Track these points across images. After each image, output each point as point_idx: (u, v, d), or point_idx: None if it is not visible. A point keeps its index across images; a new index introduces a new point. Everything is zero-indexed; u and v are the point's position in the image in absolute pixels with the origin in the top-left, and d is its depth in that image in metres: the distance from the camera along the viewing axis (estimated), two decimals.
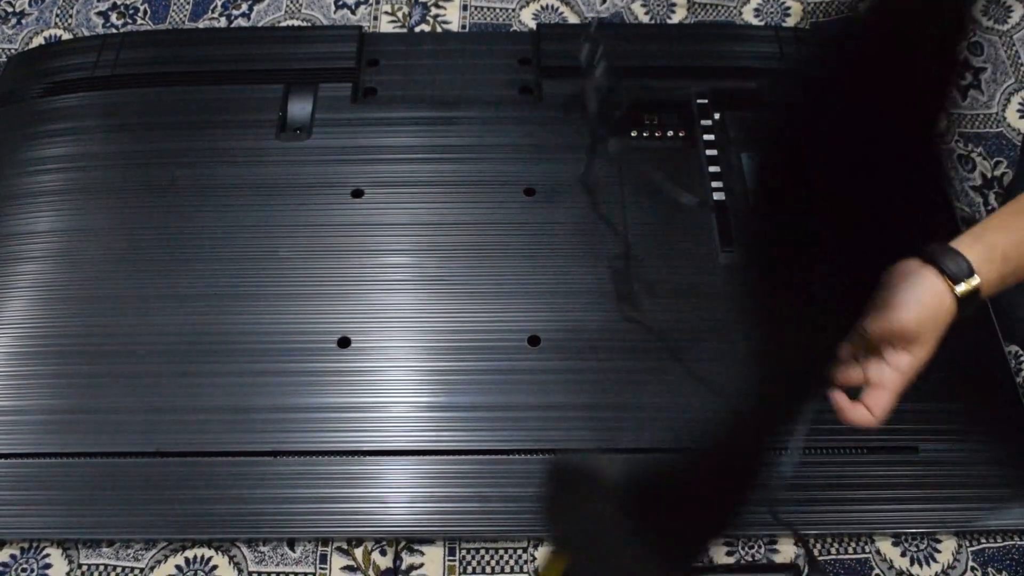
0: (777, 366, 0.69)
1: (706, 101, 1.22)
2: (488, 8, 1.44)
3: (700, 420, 0.70)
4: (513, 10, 1.43)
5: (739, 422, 0.68)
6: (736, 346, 1.03)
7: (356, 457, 0.98)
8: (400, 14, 1.44)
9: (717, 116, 1.21)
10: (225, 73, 1.28)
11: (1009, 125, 1.28)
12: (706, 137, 1.19)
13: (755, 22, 1.40)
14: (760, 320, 0.69)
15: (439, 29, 1.41)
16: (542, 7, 1.44)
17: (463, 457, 0.98)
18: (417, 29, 1.42)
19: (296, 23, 1.44)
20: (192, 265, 1.11)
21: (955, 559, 0.96)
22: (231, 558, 0.98)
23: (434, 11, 1.43)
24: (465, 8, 1.43)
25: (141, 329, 1.06)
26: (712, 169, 1.16)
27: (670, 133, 1.20)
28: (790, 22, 1.40)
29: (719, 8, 1.43)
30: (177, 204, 1.16)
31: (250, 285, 1.09)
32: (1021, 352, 1.07)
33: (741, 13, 1.42)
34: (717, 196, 1.14)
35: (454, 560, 0.97)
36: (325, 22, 1.44)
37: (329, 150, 1.20)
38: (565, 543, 0.67)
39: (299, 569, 0.97)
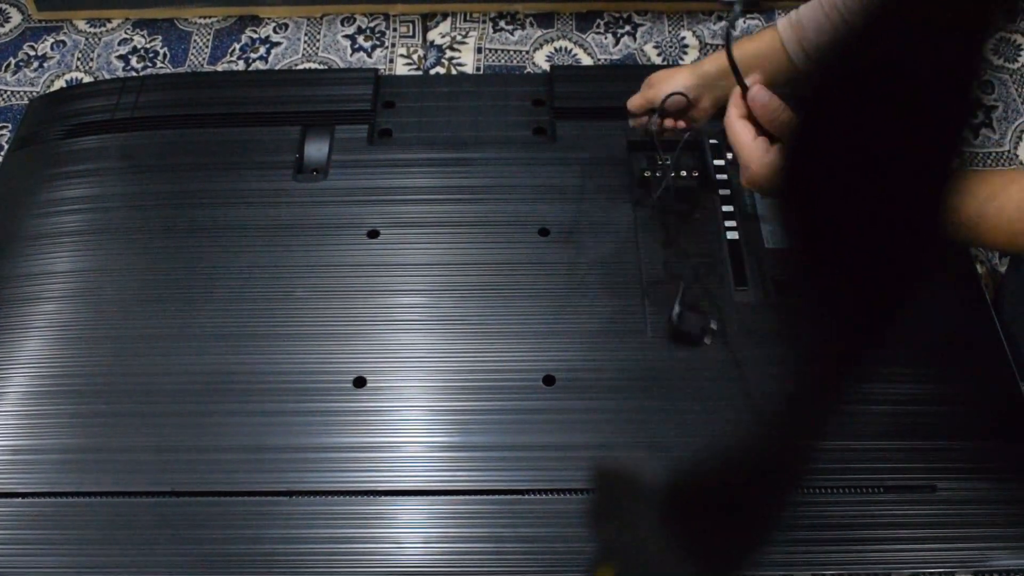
0: (796, 403, 0.69)
1: (716, 142, 1.23)
2: (502, 51, 1.45)
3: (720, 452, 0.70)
4: (527, 52, 1.45)
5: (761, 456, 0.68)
6: (752, 384, 1.03)
7: (371, 497, 0.98)
8: (415, 57, 1.46)
9: (730, 156, 1.21)
10: (243, 115, 1.29)
11: (1021, 162, 1.29)
12: (719, 177, 1.20)
13: None
14: (783, 357, 0.69)
15: (454, 71, 1.43)
16: (555, 49, 1.45)
17: (478, 497, 0.98)
18: (432, 72, 1.44)
19: (313, 66, 1.46)
20: (209, 305, 1.11)
21: None
22: None
23: (449, 54, 1.45)
24: (479, 51, 1.45)
25: (157, 369, 1.07)
26: (725, 209, 1.17)
27: (683, 173, 1.21)
28: None
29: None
30: (194, 245, 1.17)
31: (266, 325, 1.09)
32: None
33: None
34: (731, 235, 1.15)
35: None
36: (341, 65, 1.46)
37: (345, 191, 1.21)
38: (614, 550, 0.66)
39: None
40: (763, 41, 0.95)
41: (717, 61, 0.99)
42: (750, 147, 0.77)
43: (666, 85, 1.04)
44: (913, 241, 0.60)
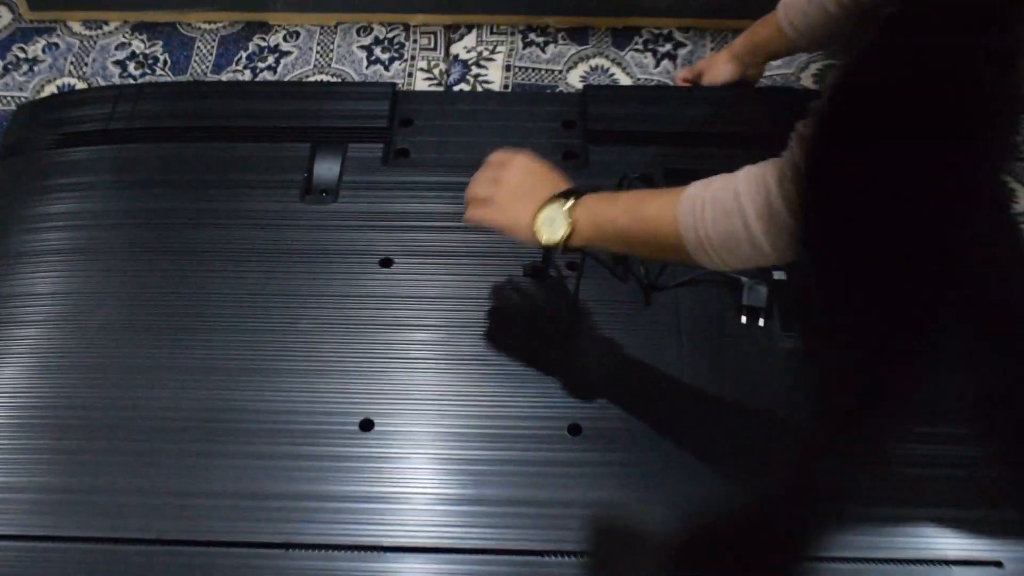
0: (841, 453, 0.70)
1: None
2: (533, 69, 1.46)
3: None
4: (560, 72, 1.45)
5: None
6: (795, 437, 1.02)
7: (376, 553, 0.97)
8: (437, 71, 1.46)
9: None
10: (248, 130, 1.30)
11: None
12: None
13: (815, 87, 1.42)
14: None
15: (479, 89, 1.43)
16: (591, 68, 1.46)
17: (494, 557, 0.97)
18: (456, 88, 1.44)
19: (325, 78, 1.47)
20: (204, 336, 1.11)
21: None
22: None
23: (475, 70, 1.46)
24: (508, 68, 1.46)
25: (146, 403, 1.07)
26: None
27: None
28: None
29: (774, 77, 1.44)
30: (190, 269, 1.17)
31: (266, 359, 1.09)
32: None
33: (799, 79, 1.43)
34: (777, 275, 1.14)
35: None
36: (356, 78, 1.47)
37: (357, 215, 1.21)
38: None
39: None
40: (767, 24, 1.21)
41: (743, 41, 1.29)
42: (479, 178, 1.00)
43: (714, 76, 1.33)
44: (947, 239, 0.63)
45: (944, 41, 0.61)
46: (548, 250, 0.98)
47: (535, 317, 1.13)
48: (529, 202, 0.95)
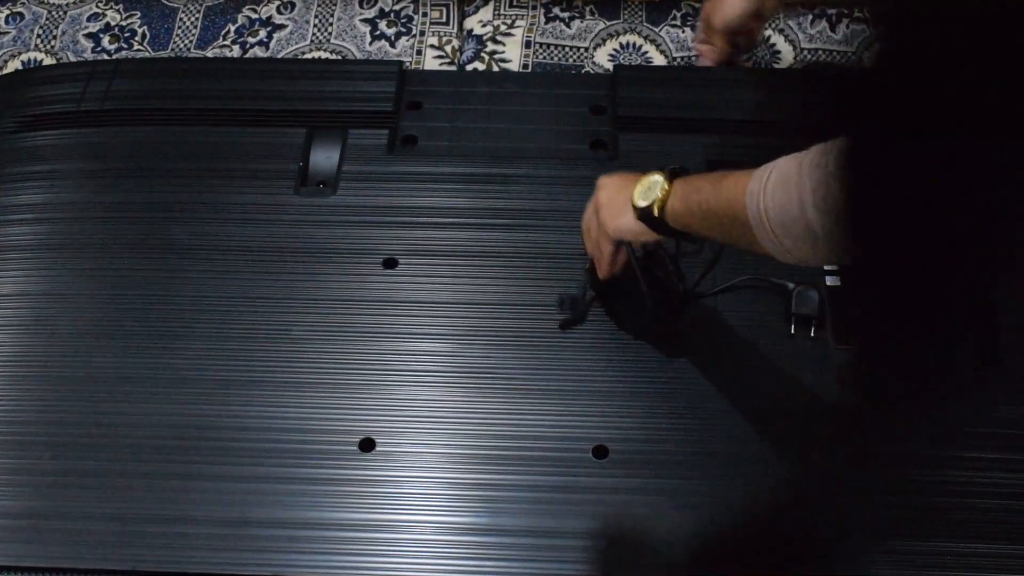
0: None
1: None
2: (556, 46, 1.46)
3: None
4: (586, 49, 1.45)
5: None
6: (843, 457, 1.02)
7: None
8: (449, 48, 1.46)
9: None
10: (236, 113, 1.31)
11: None
12: None
13: None
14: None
15: (495, 68, 1.43)
16: (622, 45, 1.45)
17: None
18: (469, 67, 1.44)
19: (324, 55, 1.47)
20: (185, 343, 1.12)
21: None
22: None
23: (491, 47, 1.46)
24: (528, 45, 1.46)
25: (120, 419, 1.07)
26: None
27: None
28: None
29: (832, 53, 1.43)
30: (171, 269, 1.17)
31: (255, 370, 1.10)
32: None
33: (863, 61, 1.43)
34: (830, 280, 1.14)
35: None
36: (358, 55, 1.47)
37: (358, 210, 1.21)
38: None
39: None
40: None
41: None
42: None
43: (724, 11, 1.32)
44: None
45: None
46: (644, 217, 1.01)
47: (556, 328, 1.13)
48: (624, 194, 1.02)
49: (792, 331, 1.11)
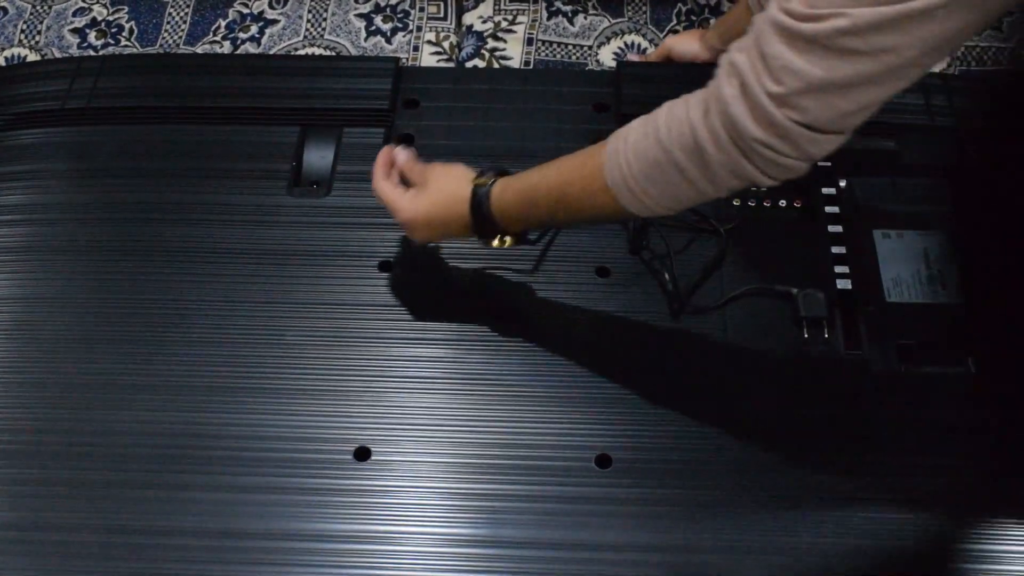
0: None
1: (829, 164, 1.24)
2: (559, 43, 1.47)
3: None
4: (590, 47, 1.46)
5: None
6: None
7: None
8: (447, 44, 1.47)
9: (843, 183, 1.24)
10: (226, 111, 1.32)
11: None
12: (828, 209, 1.22)
13: None
14: None
15: (496, 65, 1.44)
16: (626, 44, 1.47)
17: None
18: (469, 65, 1.45)
19: (317, 52, 1.48)
20: (173, 349, 1.13)
21: None
22: None
23: (491, 43, 1.46)
24: (530, 42, 1.47)
25: (106, 427, 1.08)
26: (836, 250, 1.19)
27: (782, 203, 1.23)
28: (936, 67, 1.41)
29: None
30: (159, 272, 1.19)
31: (246, 377, 1.11)
32: None
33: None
34: (841, 284, 1.16)
35: None
36: (353, 51, 1.48)
37: (352, 211, 1.23)
38: None
39: None
40: (740, 4, 1.29)
41: (718, 30, 1.36)
42: (396, 198, 1.08)
43: (683, 50, 1.39)
44: None
45: None
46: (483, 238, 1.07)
47: (558, 331, 1.15)
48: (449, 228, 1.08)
49: (805, 335, 1.13)
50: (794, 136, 0.82)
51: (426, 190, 1.07)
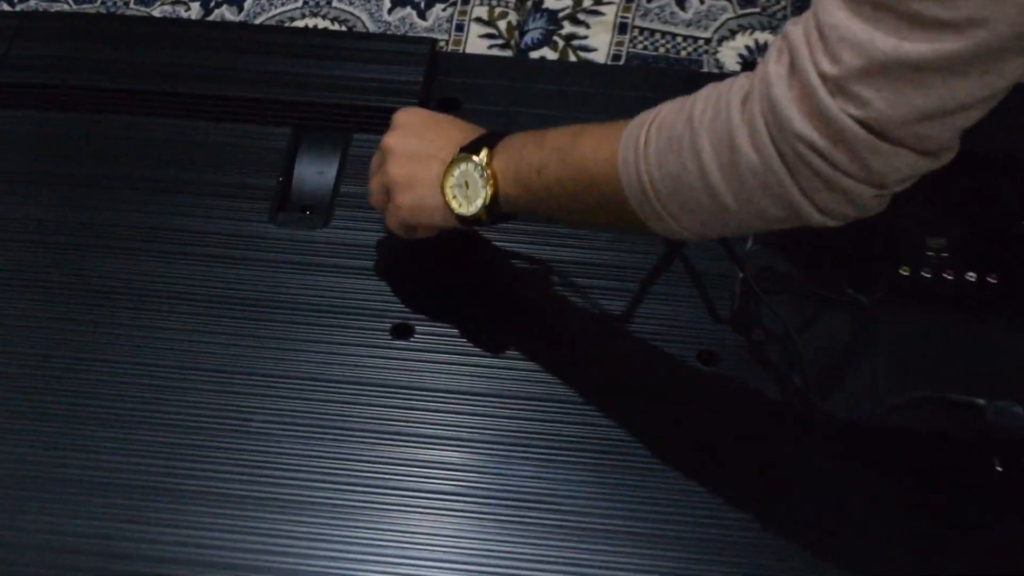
0: None
1: None
2: (665, 34, 1.47)
3: None
4: (707, 42, 1.46)
5: None
6: None
7: None
8: (504, 25, 1.47)
9: None
10: (191, 100, 1.33)
11: None
12: None
13: None
14: None
15: (572, 59, 1.44)
16: (756, 44, 1.46)
17: None
18: (533, 55, 1.45)
19: (322, 24, 1.48)
20: (99, 432, 1.12)
21: None
22: None
23: (568, 28, 1.47)
24: (623, 29, 1.47)
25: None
26: None
27: (971, 275, 1.21)
28: None
29: None
30: (87, 319, 1.18)
31: (188, 477, 1.09)
32: None
33: None
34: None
35: None
36: (372, 27, 1.48)
37: (359, 249, 1.23)
38: None
39: None
40: None
41: None
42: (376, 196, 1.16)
43: None
44: None
45: None
46: (467, 223, 1.10)
47: (658, 420, 1.14)
48: (428, 167, 1.11)
49: (997, 467, 1.10)
50: (850, 137, 0.79)
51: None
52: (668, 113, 0.91)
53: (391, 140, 1.13)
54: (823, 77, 0.78)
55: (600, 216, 1.02)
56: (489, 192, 1.04)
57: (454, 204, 1.08)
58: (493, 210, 1.07)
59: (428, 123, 1.15)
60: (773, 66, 0.82)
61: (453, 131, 1.12)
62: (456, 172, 1.07)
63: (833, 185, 0.81)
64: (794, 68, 0.80)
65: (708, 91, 0.88)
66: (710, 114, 0.86)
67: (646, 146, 0.91)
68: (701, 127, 0.86)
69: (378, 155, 1.15)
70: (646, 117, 0.93)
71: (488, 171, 1.04)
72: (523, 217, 1.15)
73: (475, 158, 1.05)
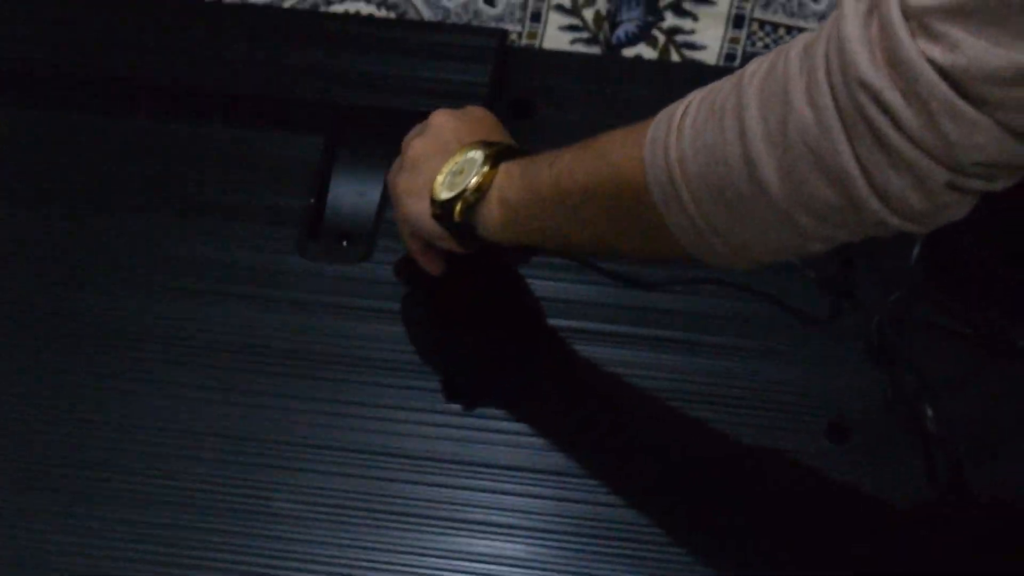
0: None
1: None
2: (792, 28, 1.47)
3: None
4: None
5: None
6: None
7: None
8: (591, 15, 1.49)
9: None
10: (201, 99, 1.36)
11: None
12: None
13: None
14: None
15: (677, 58, 1.46)
16: None
17: None
18: (627, 53, 1.47)
19: (365, 9, 1.50)
20: (87, 500, 1.15)
21: None
22: None
23: (670, 20, 1.48)
24: (739, 23, 1.48)
25: None
26: None
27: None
28: None
29: None
30: (74, 371, 1.22)
31: (208, 569, 1.13)
32: None
33: None
34: None
35: None
36: (428, 13, 1.50)
37: (407, 289, 1.26)
38: None
39: None
40: None
41: None
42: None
43: None
44: None
45: None
46: (442, 221, 1.12)
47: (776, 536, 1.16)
48: (440, 157, 1.14)
49: None
50: (925, 90, 0.75)
51: None
52: (720, 82, 0.90)
53: (413, 146, 1.18)
54: (907, 12, 0.75)
55: (610, 222, 1.02)
56: (479, 179, 1.08)
57: (438, 189, 1.11)
58: (476, 205, 1.09)
59: (460, 126, 1.16)
60: (852, 2, 0.79)
61: (485, 128, 1.16)
62: (459, 159, 1.11)
63: (896, 154, 0.78)
64: (876, 2, 0.77)
65: (757, 62, 0.87)
66: (765, 68, 0.85)
67: (683, 118, 0.90)
68: (750, 86, 0.85)
69: (397, 160, 1.19)
70: (693, 94, 0.93)
71: (488, 164, 1.09)
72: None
73: (484, 149, 1.10)
